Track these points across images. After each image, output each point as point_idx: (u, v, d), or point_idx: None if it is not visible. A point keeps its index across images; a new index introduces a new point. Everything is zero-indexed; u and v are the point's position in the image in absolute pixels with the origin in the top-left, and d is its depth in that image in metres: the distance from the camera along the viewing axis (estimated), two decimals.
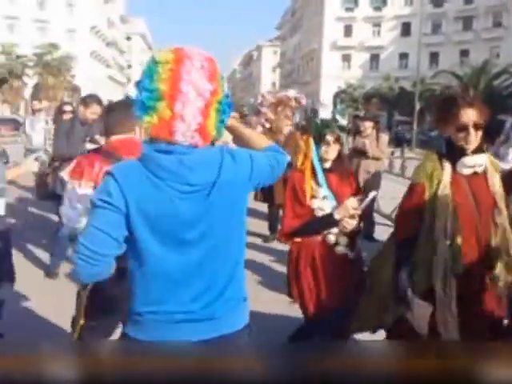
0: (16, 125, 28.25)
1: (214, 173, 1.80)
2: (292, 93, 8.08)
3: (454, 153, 2.91)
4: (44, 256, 6.72)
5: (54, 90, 57.53)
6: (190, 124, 1.72)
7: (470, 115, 2.83)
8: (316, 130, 3.50)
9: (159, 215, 1.78)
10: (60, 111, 7.70)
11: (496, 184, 2.94)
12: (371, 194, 3.24)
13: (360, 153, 8.13)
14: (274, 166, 2.00)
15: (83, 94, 67.04)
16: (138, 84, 1.81)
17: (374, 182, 7.99)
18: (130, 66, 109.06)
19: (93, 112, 6.22)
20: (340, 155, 3.57)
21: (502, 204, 2.92)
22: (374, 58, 67.64)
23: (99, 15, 78.98)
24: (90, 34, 74.84)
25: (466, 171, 2.90)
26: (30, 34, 68.89)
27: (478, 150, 2.90)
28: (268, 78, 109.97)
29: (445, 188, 2.87)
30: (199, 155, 1.78)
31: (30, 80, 58.29)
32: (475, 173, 2.92)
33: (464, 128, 2.83)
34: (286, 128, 7.69)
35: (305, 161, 3.49)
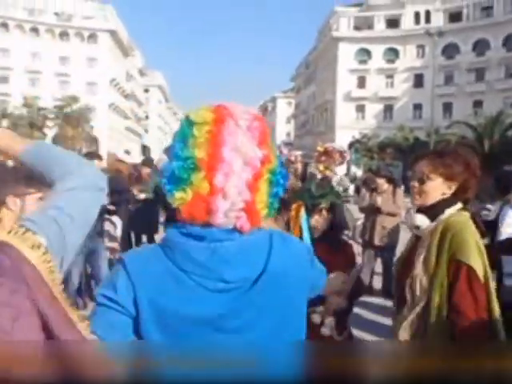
0: None
1: (258, 266, 1.39)
2: (338, 146, 8.12)
3: None
4: None
5: (72, 140, 58.71)
6: (234, 201, 1.32)
7: (419, 167, 2.56)
8: (310, 198, 3.22)
9: (178, 317, 1.35)
10: None
11: (420, 254, 2.51)
12: (354, 271, 2.74)
13: (375, 209, 8.11)
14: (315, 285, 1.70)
15: (101, 144, 68.37)
16: (167, 150, 1.47)
17: (391, 239, 7.97)
18: (147, 117, 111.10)
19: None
20: (333, 224, 3.29)
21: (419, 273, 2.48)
22: (388, 109, 68.39)
23: (118, 69, 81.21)
24: (110, 87, 76.72)
25: (414, 231, 2.65)
26: (51, 87, 70.98)
27: (431, 208, 2.54)
28: (283, 128, 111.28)
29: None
30: (240, 243, 1.37)
31: (50, 131, 59.62)
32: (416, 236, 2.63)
33: (411, 179, 2.59)
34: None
35: (295, 229, 3.15)
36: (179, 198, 1.33)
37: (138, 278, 1.35)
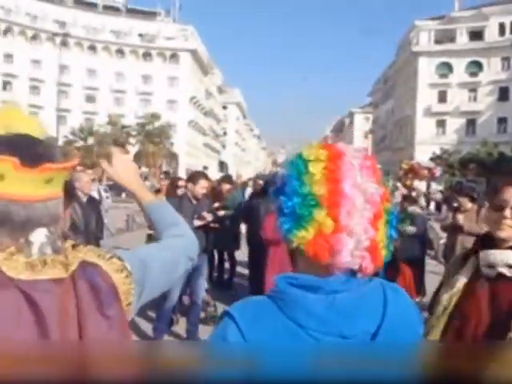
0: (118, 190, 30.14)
1: (376, 319, 1.28)
2: (425, 162, 8.00)
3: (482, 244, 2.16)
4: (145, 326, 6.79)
5: (153, 157, 60.71)
6: (359, 239, 1.23)
7: None
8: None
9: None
10: (173, 185, 7.87)
11: None
12: None
13: (457, 228, 7.80)
14: None
15: (180, 160, 70.11)
16: (279, 190, 1.32)
17: None
18: (225, 134, 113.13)
19: (202, 187, 6.38)
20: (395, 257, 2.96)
21: None
22: (471, 123, 66.13)
23: (198, 87, 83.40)
24: (189, 104, 78.86)
25: (488, 271, 2.08)
26: (134, 105, 73.90)
27: None
28: (360, 143, 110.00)
29: (452, 297, 2.13)
30: (357, 293, 1.27)
31: (133, 148, 61.91)
32: (501, 275, 2.05)
33: (500, 208, 2.08)
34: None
35: None
36: (301, 236, 1.22)
37: (251, 334, 1.24)
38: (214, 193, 10.09)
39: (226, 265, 9.71)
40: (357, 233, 1.22)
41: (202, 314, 6.83)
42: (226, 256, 9.69)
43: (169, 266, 1.54)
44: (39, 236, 1.17)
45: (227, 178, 10.39)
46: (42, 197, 1.17)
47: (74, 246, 1.27)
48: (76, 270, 1.21)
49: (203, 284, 6.53)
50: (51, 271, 1.16)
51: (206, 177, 6.62)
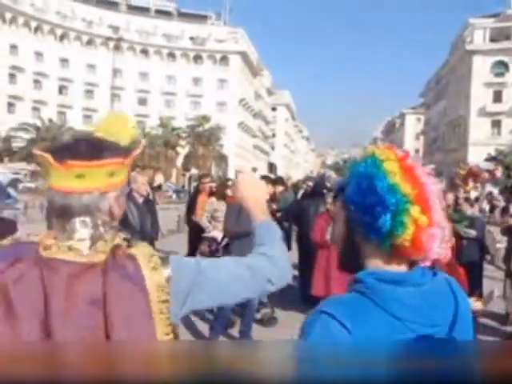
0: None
1: (451, 309, 1.36)
2: (484, 165, 7.89)
3: None
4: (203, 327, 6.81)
5: (203, 158, 61.37)
6: (445, 232, 1.31)
7: None
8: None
9: None
10: (224, 186, 7.93)
11: None
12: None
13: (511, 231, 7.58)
14: None
15: (230, 162, 70.64)
16: (359, 190, 1.32)
17: None
18: (274, 135, 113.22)
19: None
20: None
21: None
22: None
23: (248, 88, 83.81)
24: (239, 106, 79.32)
25: None
26: (184, 107, 74.96)
27: None
28: (411, 144, 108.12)
29: None
30: (435, 286, 1.35)
31: (183, 150, 62.78)
32: None
33: None
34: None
35: None
36: (405, 232, 1.26)
37: (357, 331, 1.23)
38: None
39: None
40: (443, 226, 1.30)
41: (258, 315, 6.84)
42: None
43: (236, 281, 1.51)
44: (75, 224, 1.34)
45: (280, 180, 10.40)
46: (76, 190, 1.32)
47: (126, 240, 1.38)
48: (107, 258, 1.31)
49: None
50: (73, 254, 1.31)
51: (271, 182, 6.55)
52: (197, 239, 8.24)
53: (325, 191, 7.82)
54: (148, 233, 6.92)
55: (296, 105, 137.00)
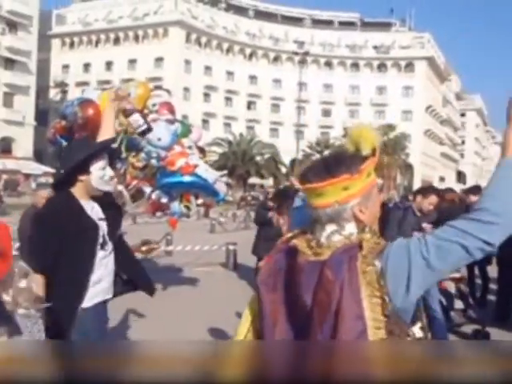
0: None
1: None
2: None
3: None
4: None
5: (388, 168, 60.14)
6: None
7: None
8: None
9: None
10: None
11: None
12: None
13: None
14: None
15: (416, 171, 68.35)
16: None
17: None
18: (463, 142, 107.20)
19: (430, 203, 6.10)
20: None
21: None
22: None
23: (435, 95, 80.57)
24: (425, 114, 76.57)
25: None
26: (369, 117, 74.45)
27: None
28: None
29: None
30: None
31: None
32: None
33: None
34: None
35: None
36: None
37: None
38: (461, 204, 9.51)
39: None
40: None
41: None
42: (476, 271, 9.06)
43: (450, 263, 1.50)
44: (326, 232, 1.63)
45: (476, 189, 9.71)
46: (320, 205, 1.61)
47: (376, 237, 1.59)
48: (329, 258, 1.53)
49: (436, 295, 6.06)
50: (308, 254, 1.62)
51: (437, 193, 6.29)
52: None
53: None
54: None
55: (489, 109, 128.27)
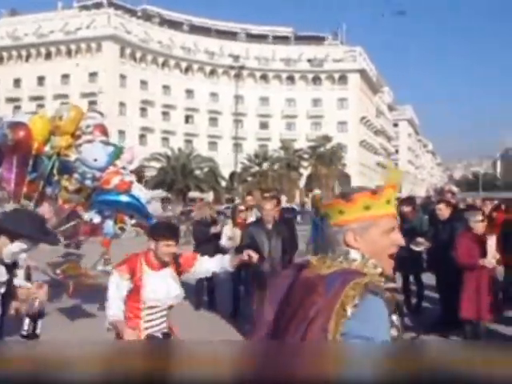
0: (294, 213, 30.83)
1: None
2: None
3: None
4: None
5: (326, 179, 61.26)
6: None
7: None
8: None
9: None
10: None
11: None
12: None
13: None
14: None
15: (353, 181, 69.98)
16: None
17: None
18: (397, 152, 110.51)
19: None
20: None
21: None
22: None
23: (368, 106, 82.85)
24: (360, 125, 78.54)
25: None
26: (305, 129, 75.71)
27: None
28: None
29: None
30: None
31: (305, 171, 63.17)
32: None
33: None
34: None
35: None
36: None
37: None
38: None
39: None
40: None
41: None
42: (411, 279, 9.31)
43: None
44: (332, 251, 1.74)
45: (410, 200, 9.98)
46: (329, 224, 1.77)
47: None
48: (327, 274, 1.62)
49: None
50: (316, 270, 1.69)
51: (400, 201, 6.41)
52: None
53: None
54: (275, 258, 6.96)
55: (419, 119, 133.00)
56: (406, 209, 9.06)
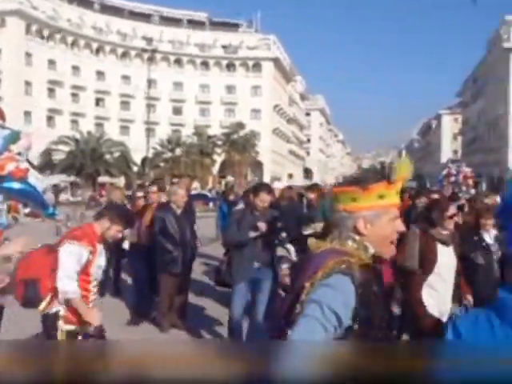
0: (206, 200, 30.75)
1: None
2: None
3: None
4: None
5: (239, 166, 61.62)
6: None
7: None
8: None
9: None
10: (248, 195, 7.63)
11: None
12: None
13: None
14: None
15: (265, 168, 70.60)
16: None
17: None
18: (309, 140, 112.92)
19: (262, 200, 5.96)
20: None
21: None
22: None
23: (281, 94, 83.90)
24: (273, 113, 79.44)
25: None
26: (219, 116, 75.52)
27: None
28: (448, 146, 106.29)
29: None
30: None
31: (219, 157, 63.18)
32: None
33: None
34: None
35: None
36: None
37: (469, 336, 1.57)
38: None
39: None
40: None
41: None
42: None
43: None
44: (331, 233, 1.89)
45: (315, 187, 10.22)
46: (335, 209, 1.89)
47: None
48: (318, 252, 1.79)
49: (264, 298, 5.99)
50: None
51: (268, 190, 6.16)
52: None
53: None
54: (188, 242, 7.03)
55: (331, 109, 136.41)
56: (311, 195, 9.43)
